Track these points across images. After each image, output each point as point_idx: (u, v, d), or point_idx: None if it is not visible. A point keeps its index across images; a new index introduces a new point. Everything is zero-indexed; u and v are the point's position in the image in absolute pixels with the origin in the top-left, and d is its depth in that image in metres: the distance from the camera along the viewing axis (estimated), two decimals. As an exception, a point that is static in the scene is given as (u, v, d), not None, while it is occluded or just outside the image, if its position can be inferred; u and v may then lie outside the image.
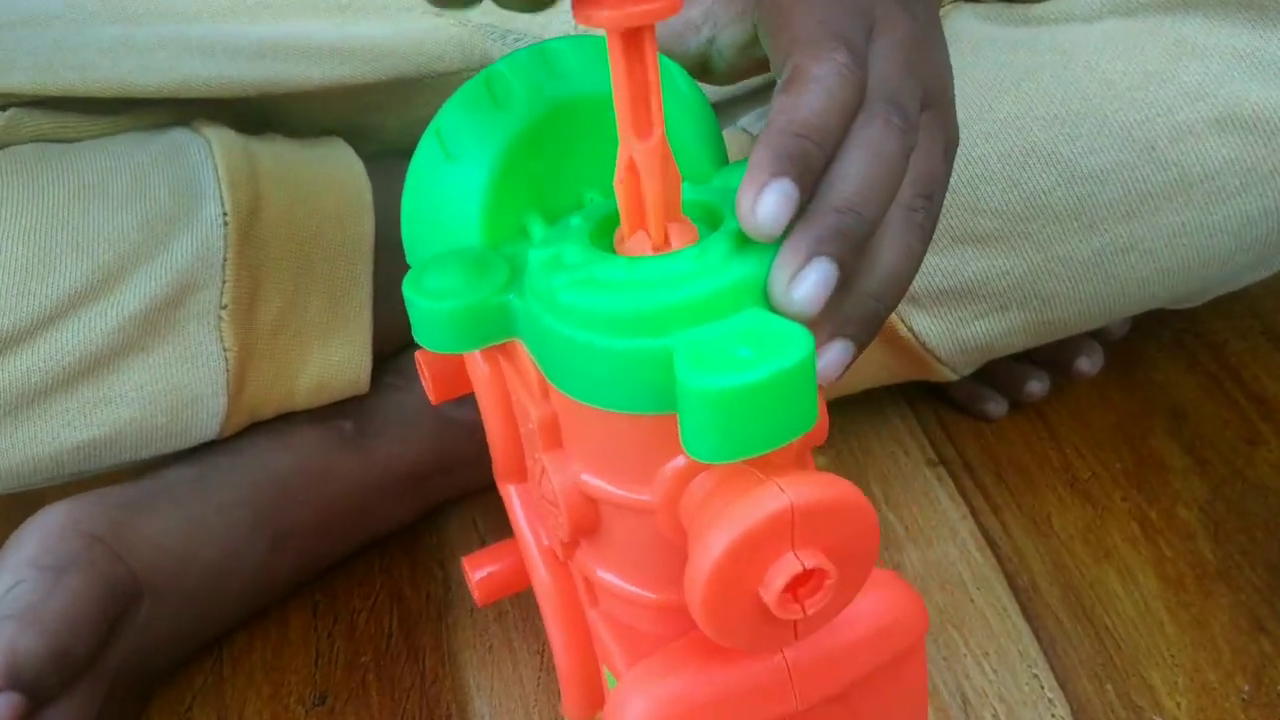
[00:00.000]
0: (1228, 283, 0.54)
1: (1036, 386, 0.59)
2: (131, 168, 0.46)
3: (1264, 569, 0.52)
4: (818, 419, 0.29)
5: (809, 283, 0.28)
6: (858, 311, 0.31)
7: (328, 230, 0.49)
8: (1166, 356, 0.63)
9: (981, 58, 0.49)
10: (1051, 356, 0.59)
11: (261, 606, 0.53)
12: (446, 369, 0.39)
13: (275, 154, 0.49)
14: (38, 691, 0.42)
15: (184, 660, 0.51)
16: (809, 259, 0.28)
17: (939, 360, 0.53)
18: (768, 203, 0.29)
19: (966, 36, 0.49)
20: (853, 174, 0.30)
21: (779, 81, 0.31)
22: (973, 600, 0.52)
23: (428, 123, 0.58)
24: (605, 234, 0.33)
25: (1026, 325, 0.52)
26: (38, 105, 0.46)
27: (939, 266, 0.49)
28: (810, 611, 0.29)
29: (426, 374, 0.39)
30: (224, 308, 0.47)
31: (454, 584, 0.55)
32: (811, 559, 0.29)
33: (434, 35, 0.52)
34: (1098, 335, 0.60)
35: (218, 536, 0.49)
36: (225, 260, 0.46)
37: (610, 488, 0.32)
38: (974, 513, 0.56)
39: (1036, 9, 0.50)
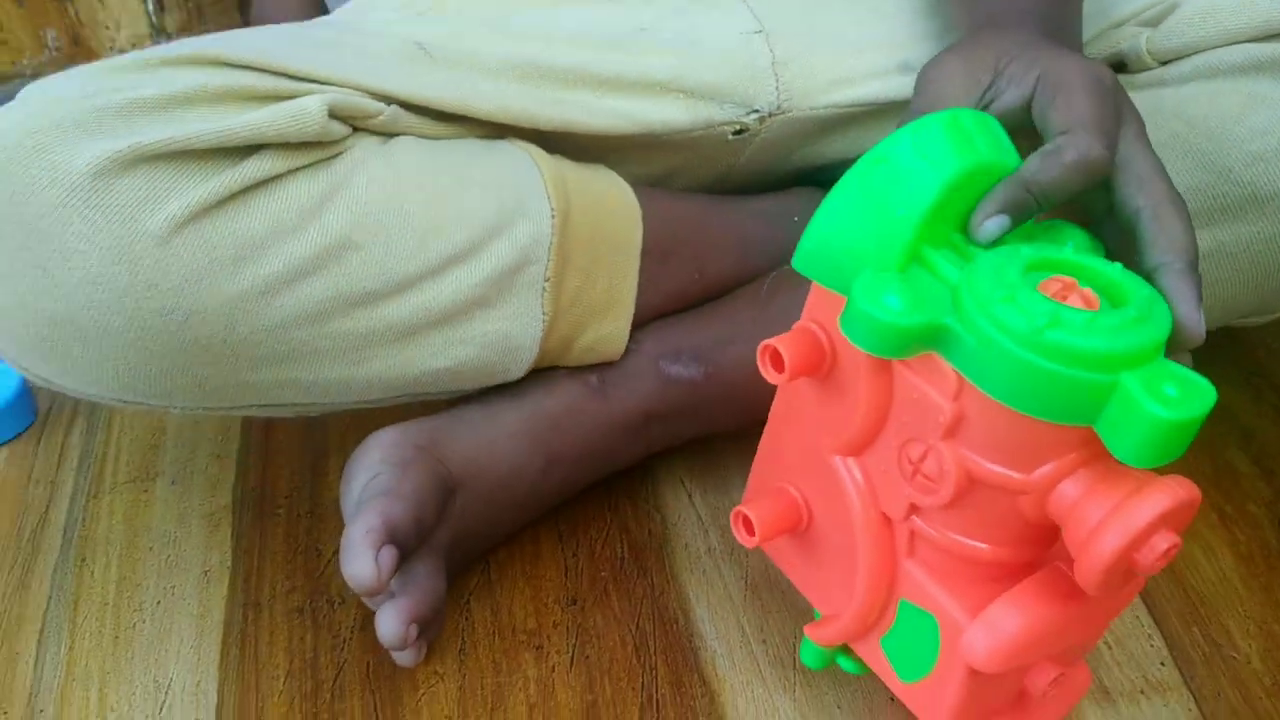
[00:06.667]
0: None
1: None
2: (480, 165, 0.59)
3: (1318, 552, 0.66)
4: None
5: (1203, 319, 0.44)
6: None
7: (611, 232, 0.62)
8: (1238, 392, 0.77)
9: None
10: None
11: (529, 520, 0.66)
12: (804, 357, 0.48)
13: (570, 168, 0.62)
14: (404, 548, 0.56)
15: (477, 556, 0.65)
16: (1199, 306, 0.44)
17: None
18: (991, 226, 0.45)
19: None
20: (1180, 241, 0.45)
21: (1045, 144, 0.46)
22: (1086, 561, 0.66)
23: (649, 178, 0.70)
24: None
25: None
26: (405, 108, 0.58)
27: None
28: (1158, 570, 0.43)
29: (785, 360, 0.47)
30: (547, 280, 0.59)
31: (669, 524, 0.69)
32: (1175, 535, 0.42)
33: (668, 107, 0.65)
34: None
35: (505, 454, 0.62)
36: (551, 244, 0.59)
37: (999, 470, 0.44)
38: (1085, 498, 0.70)
39: (1136, 77, 0.63)
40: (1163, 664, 0.60)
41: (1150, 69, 0.63)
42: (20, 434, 0.76)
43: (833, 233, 0.45)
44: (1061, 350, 0.40)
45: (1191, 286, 0.45)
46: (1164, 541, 0.42)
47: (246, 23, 1.09)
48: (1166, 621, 0.62)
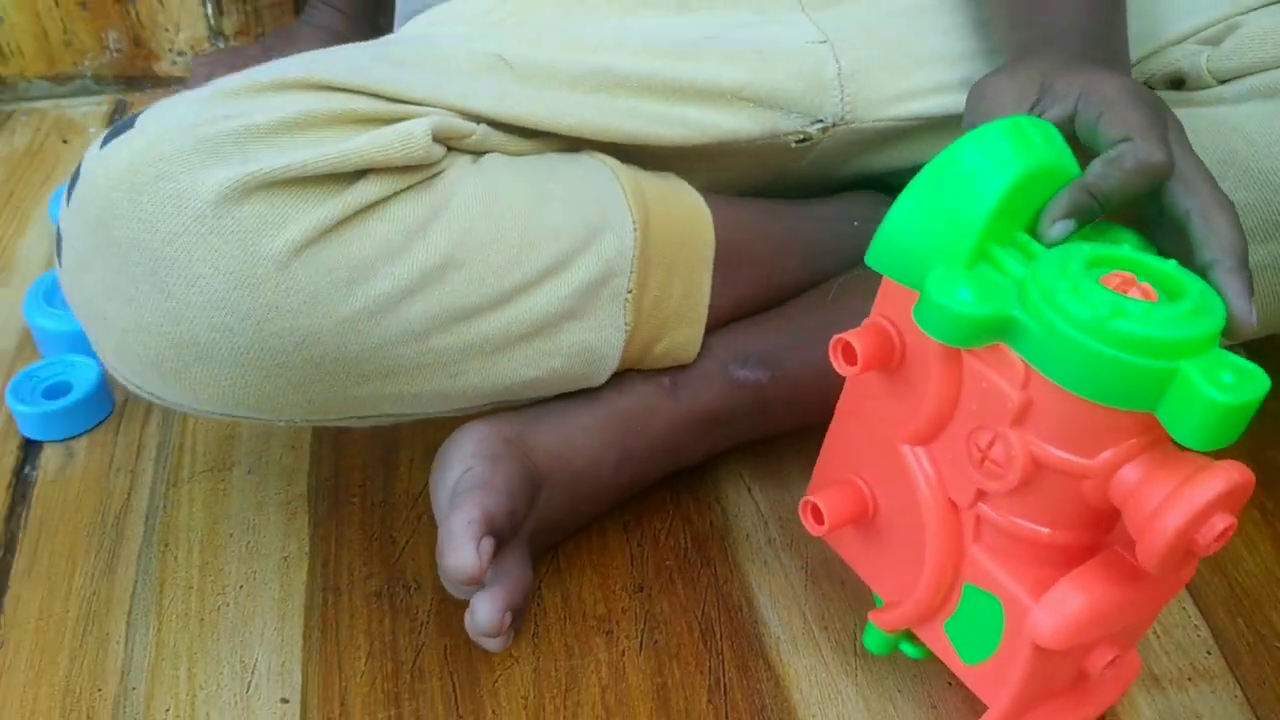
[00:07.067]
0: None
1: None
2: (565, 180, 0.61)
3: (1357, 548, 0.68)
4: None
5: (1254, 310, 0.47)
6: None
7: (686, 241, 0.64)
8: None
9: None
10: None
11: (600, 514, 0.69)
12: (875, 350, 0.51)
13: (646, 178, 0.65)
14: (500, 539, 0.59)
15: (551, 547, 0.68)
16: (1250, 299, 0.47)
17: None
18: (1058, 229, 0.48)
19: None
20: (1229, 240, 0.48)
21: (1105, 151, 0.49)
22: (1133, 554, 0.68)
23: (710, 184, 0.72)
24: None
25: None
26: (492, 125, 0.60)
27: None
28: (1214, 551, 0.45)
29: (858, 353, 0.50)
30: (629, 292, 0.61)
31: (729, 516, 0.71)
32: (1231, 516, 0.45)
33: (738, 116, 0.67)
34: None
35: (583, 449, 0.65)
36: (634, 256, 0.61)
37: (1064, 455, 0.47)
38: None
39: (1196, 95, 0.66)
40: (1209, 653, 0.62)
41: (1210, 87, 0.65)
42: (100, 423, 0.79)
43: (905, 231, 0.49)
44: (1125, 338, 0.43)
45: (1242, 281, 0.48)
46: (1221, 521, 0.45)
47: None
48: (1212, 613, 0.65)
